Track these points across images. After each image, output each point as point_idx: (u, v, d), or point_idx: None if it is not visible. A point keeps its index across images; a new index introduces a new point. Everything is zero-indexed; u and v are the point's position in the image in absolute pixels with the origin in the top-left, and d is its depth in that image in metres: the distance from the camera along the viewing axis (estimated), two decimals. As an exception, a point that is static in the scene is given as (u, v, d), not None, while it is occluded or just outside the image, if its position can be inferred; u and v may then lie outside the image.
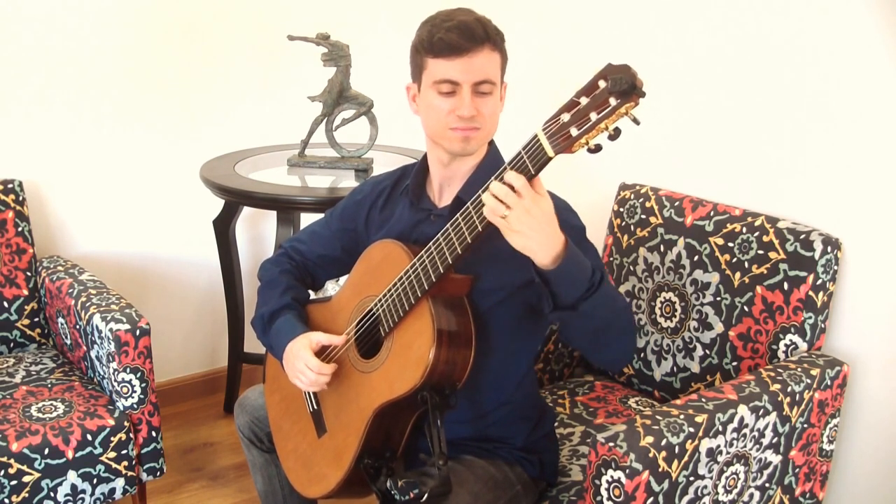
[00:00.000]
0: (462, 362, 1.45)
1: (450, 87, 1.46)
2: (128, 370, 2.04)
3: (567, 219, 1.50)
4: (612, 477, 1.44)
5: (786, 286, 1.79)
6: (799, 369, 1.70)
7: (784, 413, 1.65)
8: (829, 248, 1.77)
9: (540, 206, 1.26)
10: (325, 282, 1.84)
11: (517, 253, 1.31)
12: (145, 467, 2.12)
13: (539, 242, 1.27)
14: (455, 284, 1.45)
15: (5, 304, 2.33)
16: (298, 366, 1.58)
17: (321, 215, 1.84)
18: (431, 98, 1.49)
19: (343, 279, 1.88)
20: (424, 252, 1.43)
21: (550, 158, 1.24)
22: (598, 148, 1.21)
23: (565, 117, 1.21)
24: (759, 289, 1.84)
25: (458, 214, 1.38)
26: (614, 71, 1.17)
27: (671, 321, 2.00)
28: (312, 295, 1.82)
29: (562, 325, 1.39)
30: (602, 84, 1.18)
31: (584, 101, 1.20)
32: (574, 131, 1.20)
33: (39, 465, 1.91)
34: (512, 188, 1.26)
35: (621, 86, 1.15)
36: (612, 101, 1.17)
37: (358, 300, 1.61)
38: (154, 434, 2.11)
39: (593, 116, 1.18)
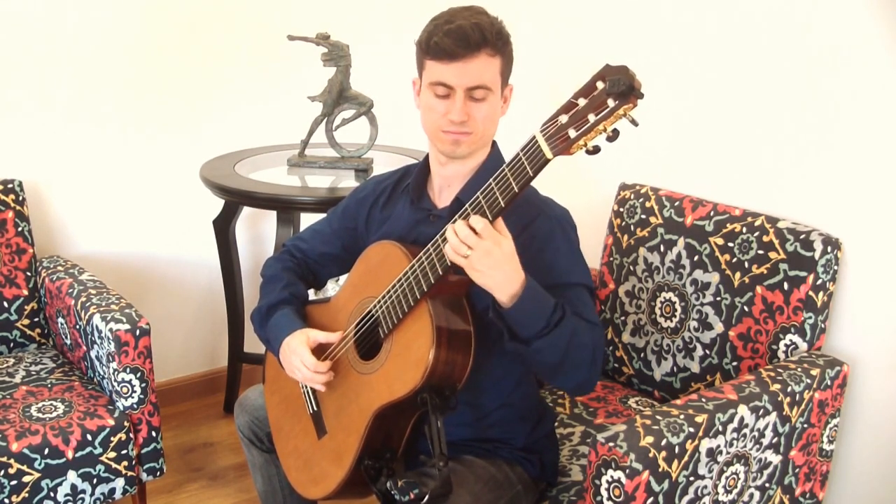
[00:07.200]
0: (462, 363, 1.45)
1: (444, 90, 1.47)
2: (128, 370, 2.04)
3: (563, 230, 1.53)
4: (612, 477, 1.44)
5: (786, 286, 1.79)
6: (799, 369, 1.70)
7: (784, 413, 1.65)
8: (829, 248, 1.77)
9: (501, 247, 1.31)
10: (327, 280, 1.85)
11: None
12: (145, 467, 2.12)
13: (497, 282, 1.32)
14: (454, 285, 1.45)
15: (5, 304, 2.33)
16: (295, 362, 1.58)
17: (321, 215, 1.84)
18: (428, 98, 1.50)
19: (343, 279, 1.88)
20: (423, 253, 1.42)
21: (548, 160, 1.24)
22: (596, 149, 1.21)
23: (563, 119, 1.21)
24: (759, 289, 1.83)
25: (456, 216, 1.38)
26: (612, 72, 1.17)
27: (671, 321, 2.00)
28: (313, 294, 1.81)
29: (518, 356, 1.42)
30: (600, 85, 1.18)
31: (581, 102, 1.19)
32: (572, 133, 1.20)
33: (39, 465, 1.91)
34: (474, 230, 1.30)
35: (619, 87, 1.15)
36: (611, 103, 1.16)
37: (357, 301, 1.60)
38: (154, 434, 2.11)
39: (591, 118, 1.18)
